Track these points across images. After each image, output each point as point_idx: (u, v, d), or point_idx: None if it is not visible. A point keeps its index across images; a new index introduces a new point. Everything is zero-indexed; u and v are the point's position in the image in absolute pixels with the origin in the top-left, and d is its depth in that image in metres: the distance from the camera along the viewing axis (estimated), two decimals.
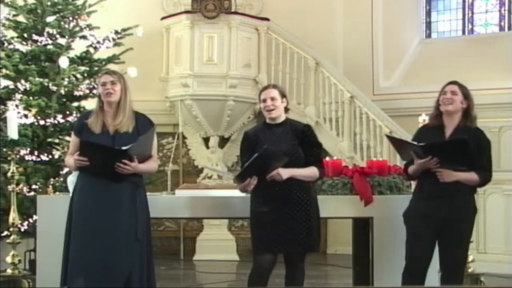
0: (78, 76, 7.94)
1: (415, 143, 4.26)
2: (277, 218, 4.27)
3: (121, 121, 4.18)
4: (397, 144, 4.63)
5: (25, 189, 6.85)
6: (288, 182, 4.26)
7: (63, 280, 4.17)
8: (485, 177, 4.30)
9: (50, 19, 7.83)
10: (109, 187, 4.10)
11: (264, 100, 4.39)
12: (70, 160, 4.21)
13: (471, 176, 4.25)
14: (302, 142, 4.37)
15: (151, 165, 4.28)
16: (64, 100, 7.82)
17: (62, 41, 7.77)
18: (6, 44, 7.79)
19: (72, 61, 7.77)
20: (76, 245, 4.09)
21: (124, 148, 4.05)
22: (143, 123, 4.25)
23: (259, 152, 4.14)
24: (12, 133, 5.70)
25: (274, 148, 4.21)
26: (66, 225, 4.21)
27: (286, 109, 4.48)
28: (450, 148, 4.23)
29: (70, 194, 4.33)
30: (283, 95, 4.43)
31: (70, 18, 7.99)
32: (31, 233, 6.62)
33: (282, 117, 4.44)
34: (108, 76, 4.23)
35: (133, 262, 4.10)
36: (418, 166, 4.28)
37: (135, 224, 4.12)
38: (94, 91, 7.81)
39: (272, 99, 4.37)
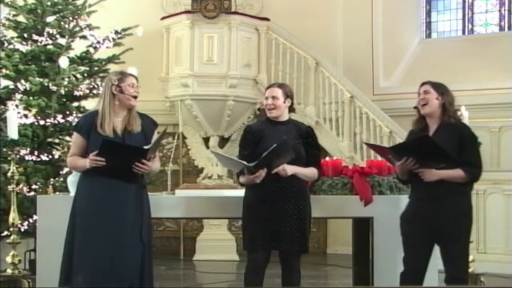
0: (78, 76, 7.93)
1: (386, 146, 4.27)
2: (275, 214, 4.29)
3: (135, 123, 4.20)
4: (376, 149, 4.76)
5: (25, 189, 6.83)
6: (289, 180, 4.29)
7: (62, 280, 4.15)
8: (473, 172, 4.17)
9: (50, 19, 7.82)
10: (117, 188, 4.08)
11: (267, 98, 4.45)
12: (79, 161, 4.15)
13: (457, 173, 4.14)
14: (306, 143, 4.43)
15: (156, 165, 4.29)
16: (64, 100, 7.81)
17: (62, 41, 7.77)
18: (6, 44, 7.79)
19: (72, 61, 7.76)
20: (82, 246, 4.06)
21: (145, 147, 4.07)
22: (147, 123, 4.29)
23: (278, 143, 4.14)
24: (12, 133, 5.70)
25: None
26: (68, 225, 4.18)
27: (292, 109, 4.54)
28: (418, 146, 4.16)
29: (72, 195, 4.31)
30: (287, 95, 4.47)
31: (70, 18, 7.98)
32: (31, 233, 6.62)
33: (285, 116, 4.49)
34: (135, 79, 4.26)
35: (137, 263, 4.10)
36: (398, 169, 4.28)
37: (141, 225, 4.13)
38: (94, 91, 7.81)
39: (274, 98, 4.42)
